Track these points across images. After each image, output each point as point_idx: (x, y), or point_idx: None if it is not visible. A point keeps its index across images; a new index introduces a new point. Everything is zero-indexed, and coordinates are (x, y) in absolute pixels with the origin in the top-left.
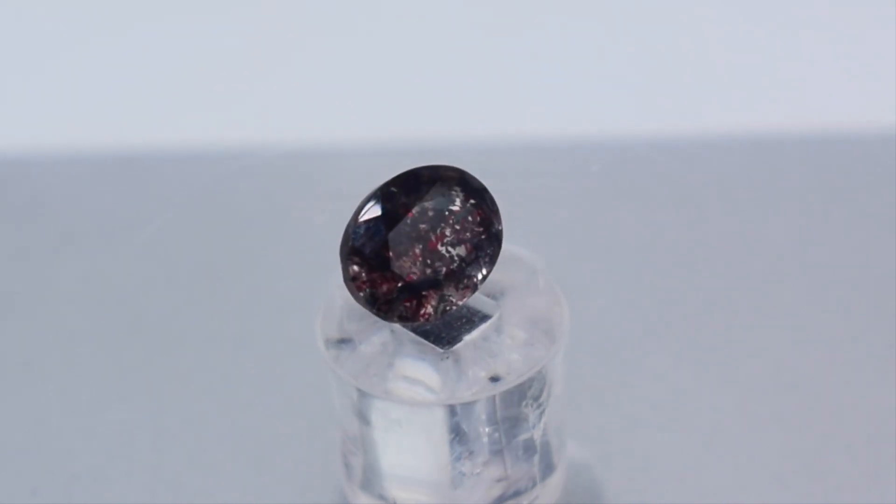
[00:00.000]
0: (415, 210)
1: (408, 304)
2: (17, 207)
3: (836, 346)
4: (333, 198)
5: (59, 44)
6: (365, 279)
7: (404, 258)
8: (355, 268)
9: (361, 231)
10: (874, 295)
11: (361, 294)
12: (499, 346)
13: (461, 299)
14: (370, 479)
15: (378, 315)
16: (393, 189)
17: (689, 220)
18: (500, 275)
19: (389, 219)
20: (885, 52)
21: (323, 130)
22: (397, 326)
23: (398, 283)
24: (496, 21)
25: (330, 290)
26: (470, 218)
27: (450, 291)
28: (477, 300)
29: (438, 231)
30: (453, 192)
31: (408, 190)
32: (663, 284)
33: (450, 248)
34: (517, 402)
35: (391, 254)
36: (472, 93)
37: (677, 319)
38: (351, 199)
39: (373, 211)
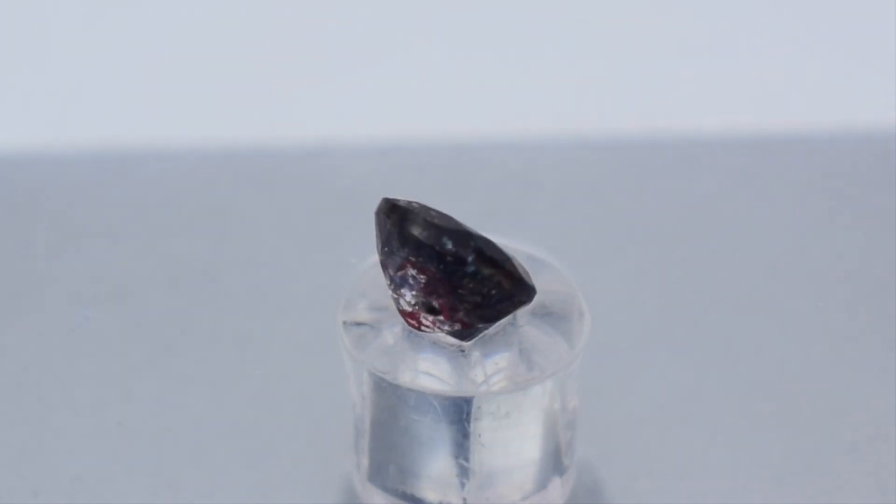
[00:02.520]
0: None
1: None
2: (17, 206)
3: (838, 346)
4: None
5: (60, 43)
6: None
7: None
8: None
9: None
10: (876, 295)
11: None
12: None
13: None
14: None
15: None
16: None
17: (689, 220)
18: None
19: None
20: (885, 52)
21: (323, 130)
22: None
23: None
24: (498, 19)
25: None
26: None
27: None
28: None
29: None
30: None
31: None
32: (665, 284)
33: None
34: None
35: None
36: (475, 92)
37: (679, 319)
38: (353, 198)
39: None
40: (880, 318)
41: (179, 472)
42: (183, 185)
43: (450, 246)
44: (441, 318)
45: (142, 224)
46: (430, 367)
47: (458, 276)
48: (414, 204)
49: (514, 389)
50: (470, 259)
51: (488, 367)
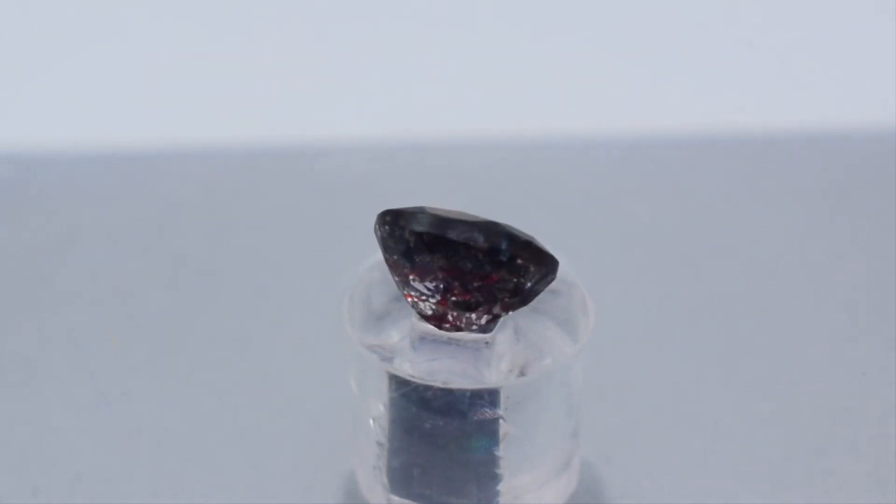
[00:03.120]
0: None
1: None
2: (19, 205)
3: (838, 346)
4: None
5: (60, 43)
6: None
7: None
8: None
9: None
10: (876, 295)
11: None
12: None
13: None
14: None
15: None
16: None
17: (690, 219)
18: None
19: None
20: (885, 52)
21: (325, 129)
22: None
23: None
24: (499, 18)
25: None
26: None
27: None
28: None
29: None
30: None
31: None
32: (664, 284)
33: None
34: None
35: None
36: (475, 92)
37: (679, 319)
38: (353, 197)
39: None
40: (880, 318)
41: (179, 472)
42: (183, 185)
43: (482, 239)
44: (476, 314)
45: (142, 224)
46: (454, 365)
47: (492, 267)
48: (413, 208)
49: (540, 374)
50: (504, 247)
51: (494, 353)
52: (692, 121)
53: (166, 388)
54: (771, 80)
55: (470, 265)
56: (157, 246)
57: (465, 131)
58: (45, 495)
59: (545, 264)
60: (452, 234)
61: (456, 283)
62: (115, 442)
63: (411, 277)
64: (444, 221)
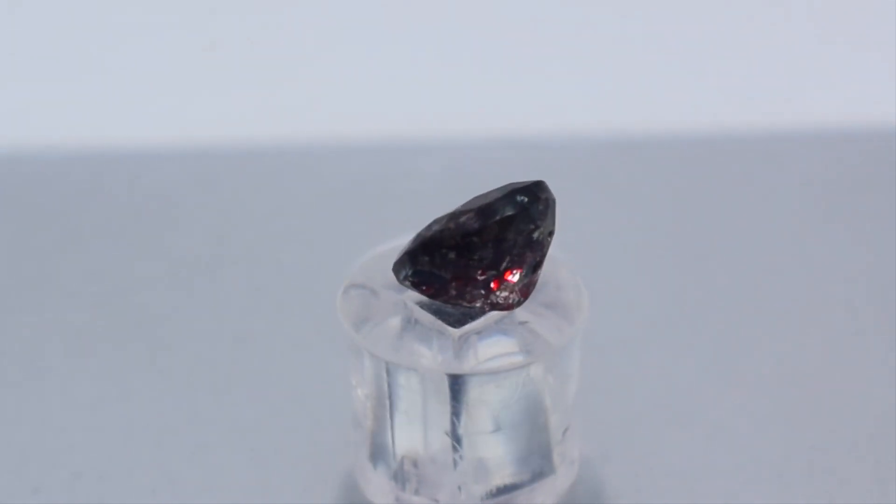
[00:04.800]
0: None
1: None
2: (19, 204)
3: (840, 345)
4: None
5: (61, 42)
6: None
7: None
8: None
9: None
10: (876, 295)
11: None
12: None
13: None
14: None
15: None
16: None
17: (691, 218)
18: None
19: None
20: (885, 52)
21: (325, 129)
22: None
23: None
24: (499, 18)
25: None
26: None
27: None
28: None
29: None
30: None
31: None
32: (667, 282)
33: None
34: None
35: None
36: (475, 92)
37: (680, 319)
38: (352, 197)
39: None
40: (880, 318)
41: (179, 471)
42: (183, 184)
43: (526, 200)
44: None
45: (141, 224)
46: (509, 343)
47: (541, 220)
48: (440, 226)
49: (567, 339)
50: (542, 195)
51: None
52: (692, 121)
53: (166, 387)
54: (771, 80)
55: (525, 234)
56: (157, 245)
57: (465, 131)
58: (45, 494)
59: (540, 189)
60: (500, 214)
61: (523, 259)
62: (115, 441)
63: (496, 276)
64: (489, 207)
